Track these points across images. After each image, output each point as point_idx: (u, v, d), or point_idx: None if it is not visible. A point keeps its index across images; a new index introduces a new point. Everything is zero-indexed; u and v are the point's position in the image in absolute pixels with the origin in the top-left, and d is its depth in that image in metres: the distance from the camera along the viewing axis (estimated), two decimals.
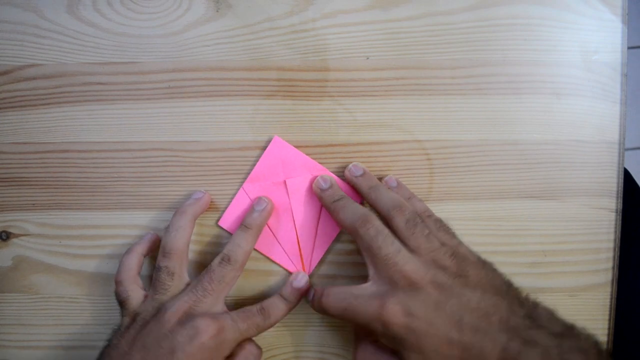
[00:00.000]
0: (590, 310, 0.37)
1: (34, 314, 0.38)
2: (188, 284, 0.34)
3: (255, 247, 0.37)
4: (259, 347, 0.34)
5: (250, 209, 0.36)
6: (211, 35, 0.37)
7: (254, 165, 0.37)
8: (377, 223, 0.31)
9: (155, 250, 0.36)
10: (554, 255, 0.37)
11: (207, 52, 0.37)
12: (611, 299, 0.37)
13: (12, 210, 0.38)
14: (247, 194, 0.36)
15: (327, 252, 0.37)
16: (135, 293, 0.34)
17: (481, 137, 0.37)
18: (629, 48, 0.36)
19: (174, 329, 0.31)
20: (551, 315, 0.28)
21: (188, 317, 0.31)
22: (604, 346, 0.27)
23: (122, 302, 0.34)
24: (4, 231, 0.38)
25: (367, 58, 0.36)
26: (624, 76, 0.36)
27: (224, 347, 0.31)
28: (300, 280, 0.36)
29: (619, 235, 0.37)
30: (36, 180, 0.38)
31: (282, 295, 0.35)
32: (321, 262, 0.37)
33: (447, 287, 0.29)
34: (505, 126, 0.37)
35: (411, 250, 0.30)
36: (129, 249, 0.35)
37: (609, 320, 0.37)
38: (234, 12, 0.36)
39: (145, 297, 0.34)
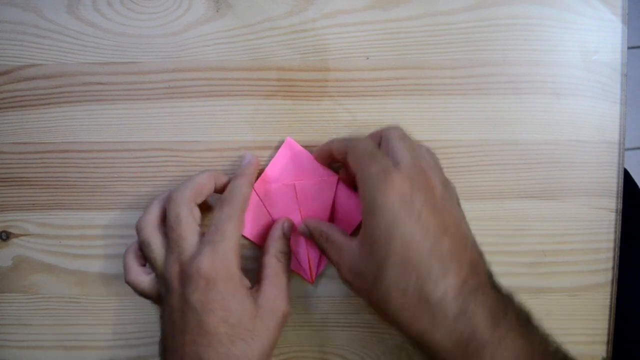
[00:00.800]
0: (590, 310, 0.37)
1: (34, 314, 0.38)
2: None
3: (254, 241, 0.36)
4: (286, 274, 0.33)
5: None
6: (211, 35, 0.37)
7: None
8: (369, 141, 0.30)
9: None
10: (554, 255, 0.37)
11: (207, 52, 0.37)
12: (611, 299, 0.37)
13: (12, 210, 0.38)
14: (257, 194, 0.36)
15: None
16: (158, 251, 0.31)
17: (481, 137, 0.37)
18: (629, 48, 0.36)
19: (183, 293, 0.29)
20: (499, 283, 0.28)
21: (183, 273, 0.29)
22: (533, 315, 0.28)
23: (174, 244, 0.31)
24: (4, 231, 0.38)
25: (367, 58, 0.36)
26: (624, 76, 0.36)
27: (230, 271, 0.29)
28: (246, 156, 0.35)
29: (619, 235, 0.37)
30: (36, 180, 0.38)
31: (235, 174, 0.33)
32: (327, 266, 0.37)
33: (449, 203, 0.28)
34: (505, 126, 0.37)
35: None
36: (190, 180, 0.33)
37: (609, 320, 0.37)
38: (234, 12, 0.36)
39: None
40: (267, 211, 0.36)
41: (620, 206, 0.37)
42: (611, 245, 0.37)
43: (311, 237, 0.34)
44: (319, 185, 0.36)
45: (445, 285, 0.25)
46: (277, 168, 0.36)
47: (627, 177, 0.47)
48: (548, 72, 0.36)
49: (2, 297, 0.38)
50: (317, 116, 0.37)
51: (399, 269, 0.26)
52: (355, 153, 0.30)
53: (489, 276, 0.28)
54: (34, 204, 0.38)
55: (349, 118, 0.37)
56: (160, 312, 0.31)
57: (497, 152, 0.37)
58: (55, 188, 0.38)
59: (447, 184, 0.30)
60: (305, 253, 0.36)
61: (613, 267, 0.37)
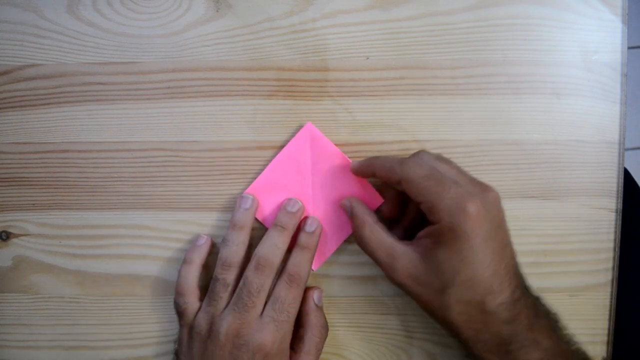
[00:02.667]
0: (590, 310, 0.37)
1: (34, 314, 0.38)
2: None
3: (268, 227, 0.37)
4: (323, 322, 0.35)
5: (282, 209, 0.35)
6: (211, 35, 0.37)
7: (252, 164, 0.37)
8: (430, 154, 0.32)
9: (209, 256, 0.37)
10: (554, 255, 0.37)
11: (207, 52, 0.37)
12: (611, 299, 0.37)
13: (12, 210, 0.38)
14: (271, 177, 0.36)
15: (338, 251, 0.37)
16: (192, 305, 0.35)
17: (481, 137, 0.37)
18: (629, 48, 0.36)
19: (233, 352, 0.32)
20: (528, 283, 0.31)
21: (241, 339, 0.32)
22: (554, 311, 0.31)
23: (179, 313, 0.35)
24: (4, 231, 0.38)
25: (367, 58, 0.36)
26: (624, 76, 0.36)
27: (283, 347, 0.33)
28: (312, 223, 0.35)
29: (619, 235, 0.37)
30: (36, 180, 0.38)
31: (299, 246, 0.34)
32: (333, 262, 0.37)
33: (502, 213, 0.30)
34: (505, 126, 0.37)
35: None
36: (187, 259, 0.36)
37: (609, 320, 0.37)
38: (234, 12, 0.36)
39: (200, 308, 0.34)
40: (281, 194, 0.36)
41: (620, 206, 0.37)
42: (611, 245, 0.37)
43: (351, 217, 0.34)
44: (334, 171, 0.36)
45: (502, 297, 0.29)
46: (294, 151, 0.36)
47: (627, 177, 0.47)
48: (548, 72, 0.36)
49: (2, 297, 0.38)
50: (317, 116, 0.37)
51: (466, 287, 0.29)
52: (421, 182, 0.30)
53: (526, 284, 0.31)
54: (34, 204, 0.38)
55: (348, 118, 0.37)
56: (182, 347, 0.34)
57: (497, 152, 0.37)
58: (55, 188, 0.38)
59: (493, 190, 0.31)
60: None
61: (613, 267, 0.37)
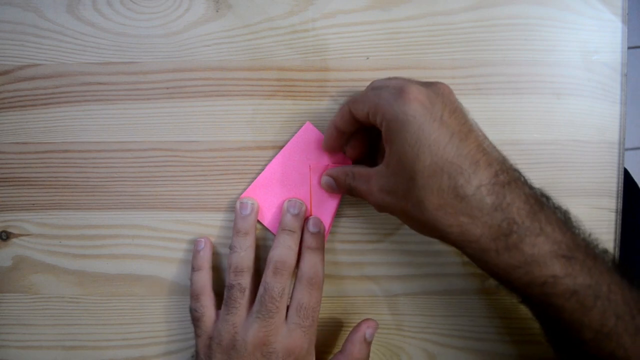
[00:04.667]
0: None
1: (34, 314, 0.38)
2: (253, 302, 0.34)
3: (268, 227, 0.37)
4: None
5: (285, 212, 0.35)
6: (211, 35, 0.37)
7: (252, 164, 0.37)
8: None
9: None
10: None
11: (207, 52, 0.37)
12: None
13: (12, 210, 0.38)
14: (271, 176, 0.36)
15: (338, 251, 0.37)
16: (209, 311, 0.34)
17: None
18: (629, 48, 0.36)
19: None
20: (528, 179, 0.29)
21: (269, 347, 0.32)
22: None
23: (196, 320, 0.34)
24: (4, 231, 0.38)
25: (367, 58, 0.36)
26: (624, 76, 0.36)
27: (310, 351, 0.33)
28: (313, 224, 0.35)
29: (619, 235, 0.37)
30: (36, 180, 0.38)
31: (309, 248, 0.34)
32: (334, 262, 0.37)
33: (464, 111, 0.29)
34: (505, 126, 0.37)
35: None
36: (195, 266, 0.36)
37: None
38: (234, 12, 0.36)
39: (217, 316, 0.34)
40: (281, 194, 0.36)
41: (620, 206, 0.37)
42: (611, 245, 0.37)
43: (337, 182, 0.34)
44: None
45: (478, 179, 0.26)
46: (294, 151, 0.36)
47: (627, 177, 0.47)
48: (548, 72, 0.36)
49: (2, 297, 0.38)
50: (317, 116, 0.37)
51: (430, 173, 0.26)
52: (364, 96, 0.30)
53: (520, 173, 0.28)
54: (34, 204, 0.38)
55: None
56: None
57: None
58: (55, 188, 0.38)
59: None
60: None
61: None
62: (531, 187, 0.28)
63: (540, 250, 0.25)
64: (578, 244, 0.27)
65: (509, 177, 0.27)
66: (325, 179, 0.35)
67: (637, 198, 0.47)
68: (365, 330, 0.34)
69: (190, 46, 0.37)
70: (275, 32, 0.36)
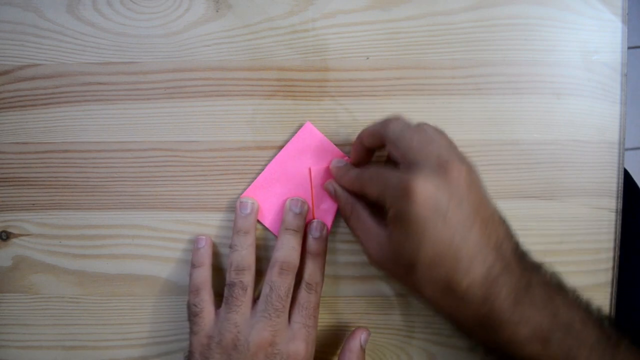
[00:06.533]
0: None
1: (34, 314, 0.38)
2: (255, 302, 0.34)
3: (268, 227, 0.37)
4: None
5: (287, 211, 0.35)
6: (211, 35, 0.37)
7: (252, 164, 0.37)
8: (407, 120, 0.31)
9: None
10: (554, 255, 0.37)
11: (207, 52, 0.37)
12: (611, 299, 0.37)
13: (12, 210, 0.38)
14: (271, 177, 0.36)
15: (338, 252, 0.37)
16: (209, 307, 0.34)
17: (481, 137, 0.37)
18: (629, 48, 0.36)
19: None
20: (526, 252, 0.29)
21: (274, 348, 0.32)
22: (565, 281, 0.30)
23: (193, 316, 0.34)
24: (4, 231, 0.38)
25: (367, 58, 0.36)
26: (624, 76, 0.36)
27: (313, 352, 0.33)
28: (317, 228, 0.35)
29: (619, 235, 0.37)
30: (36, 180, 0.38)
31: (311, 253, 0.35)
32: (333, 262, 0.37)
33: (474, 188, 0.28)
34: (505, 126, 0.37)
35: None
36: (195, 262, 0.36)
37: (609, 320, 0.37)
38: (234, 12, 0.36)
39: (216, 315, 0.34)
40: (281, 194, 0.36)
41: (620, 206, 0.37)
42: (611, 245, 0.37)
43: (337, 200, 0.35)
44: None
45: (471, 277, 0.27)
46: (294, 151, 0.36)
47: (627, 177, 0.47)
48: (548, 72, 0.36)
49: (2, 297, 0.38)
50: (317, 116, 0.37)
51: (430, 265, 0.27)
52: (374, 174, 0.31)
53: (515, 250, 0.29)
54: (34, 204, 0.38)
55: (349, 118, 0.37)
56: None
57: (497, 152, 0.37)
58: (55, 188, 0.38)
59: (465, 162, 0.29)
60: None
61: (613, 267, 0.37)
62: (523, 263, 0.28)
63: (518, 337, 0.27)
64: (560, 321, 0.27)
65: (502, 264, 0.27)
66: (329, 186, 0.35)
67: (637, 198, 0.47)
68: (360, 337, 0.34)
69: (190, 46, 0.37)
70: (275, 32, 0.36)
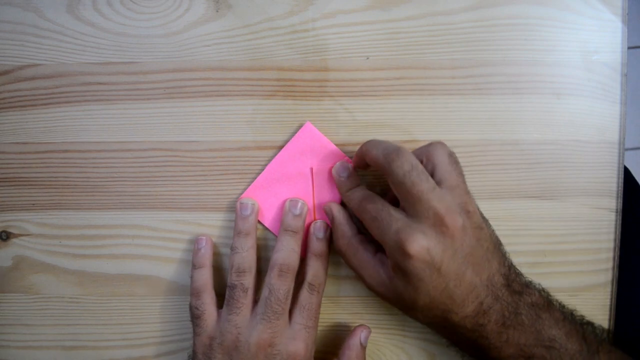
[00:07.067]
0: (590, 310, 0.37)
1: (34, 314, 0.38)
2: (255, 303, 0.34)
3: (269, 228, 0.37)
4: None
5: (287, 212, 0.35)
6: (211, 35, 0.37)
7: (252, 164, 0.37)
8: (411, 158, 0.30)
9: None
10: (554, 255, 0.37)
11: (207, 52, 0.37)
12: (611, 299, 0.37)
13: (12, 210, 0.38)
14: (272, 177, 0.36)
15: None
16: (210, 309, 0.34)
17: (481, 137, 0.37)
18: (629, 48, 0.36)
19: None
20: (517, 273, 0.32)
21: (274, 349, 0.32)
22: (553, 297, 0.33)
23: (196, 318, 0.34)
24: (4, 231, 0.38)
25: (367, 58, 0.36)
26: (624, 76, 0.36)
27: (312, 353, 0.33)
28: (320, 229, 0.35)
29: (619, 235, 0.37)
30: (36, 180, 0.38)
31: (314, 254, 0.35)
32: (334, 262, 0.37)
33: (469, 236, 0.30)
34: (505, 126, 0.37)
35: (447, 187, 0.30)
36: (196, 263, 0.36)
37: (609, 320, 0.37)
38: (234, 12, 0.36)
39: (218, 316, 0.34)
40: (281, 194, 0.36)
41: (620, 206, 0.37)
42: (611, 245, 0.37)
43: (332, 225, 0.35)
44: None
45: (464, 312, 0.30)
46: (294, 151, 0.36)
47: (627, 177, 0.46)
48: (548, 72, 0.36)
49: (2, 297, 0.38)
50: (317, 116, 0.37)
51: (427, 309, 0.30)
52: (372, 216, 0.32)
53: (506, 277, 0.31)
54: (34, 204, 0.38)
55: (349, 118, 0.37)
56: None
57: (497, 152, 0.37)
58: (55, 188, 0.38)
59: (463, 210, 0.30)
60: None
61: (613, 267, 0.37)
62: (513, 292, 0.30)
63: (504, 354, 0.30)
64: (544, 338, 0.30)
65: (493, 297, 0.30)
66: (327, 208, 0.35)
67: (637, 198, 0.47)
68: (360, 335, 0.35)
69: (190, 46, 0.37)
70: (275, 32, 0.36)
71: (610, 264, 0.37)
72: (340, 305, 0.37)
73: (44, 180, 0.38)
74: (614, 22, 0.36)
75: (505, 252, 0.32)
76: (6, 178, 0.38)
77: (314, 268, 0.34)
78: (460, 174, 0.31)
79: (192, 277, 0.36)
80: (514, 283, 0.31)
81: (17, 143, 0.37)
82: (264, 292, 0.33)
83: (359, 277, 0.33)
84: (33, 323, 0.38)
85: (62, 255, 0.38)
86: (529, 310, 0.30)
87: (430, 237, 0.29)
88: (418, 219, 0.29)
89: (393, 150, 0.30)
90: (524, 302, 0.30)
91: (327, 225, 0.36)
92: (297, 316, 0.33)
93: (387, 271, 0.31)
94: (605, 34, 0.36)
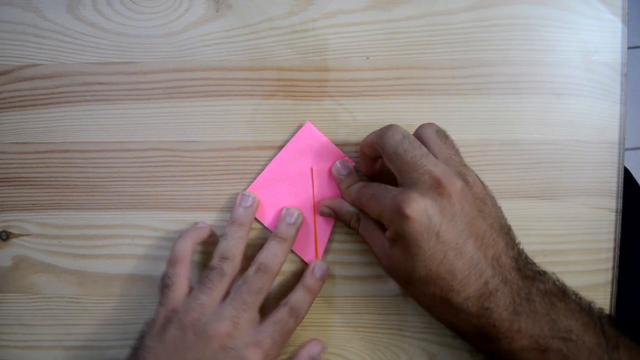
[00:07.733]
0: None
1: (34, 314, 0.38)
2: (227, 292, 0.33)
3: (268, 227, 0.37)
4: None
5: (282, 219, 0.35)
6: (211, 35, 0.37)
7: (252, 164, 0.37)
8: (402, 129, 0.30)
9: (204, 240, 0.36)
10: (554, 255, 0.37)
11: (207, 52, 0.37)
12: (611, 299, 0.37)
13: (12, 210, 0.38)
14: (272, 177, 0.36)
15: (338, 252, 0.37)
16: (182, 282, 0.33)
17: (481, 137, 0.37)
18: (629, 48, 0.36)
19: (218, 354, 0.31)
20: (528, 260, 0.30)
21: (231, 342, 0.31)
22: (568, 287, 0.30)
23: (165, 287, 0.33)
24: (4, 231, 0.38)
25: (367, 58, 0.36)
26: (624, 76, 0.36)
27: None
28: (320, 268, 0.35)
29: (619, 235, 0.37)
30: (36, 180, 0.38)
31: (305, 287, 0.35)
32: (333, 262, 0.37)
33: (468, 203, 0.29)
34: (505, 126, 0.37)
35: (441, 160, 0.30)
36: (183, 235, 0.35)
37: (610, 320, 0.37)
38: (234, 12, 0.36)
39: (189, 292, 0.33)
40: (281, 194, 0.36)
41: (620, 206, 0.37)
42: (611, 245, 0.37)
43: (339, 218, 0.35)
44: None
45: (467, 291, 0.28)
46: (294, 151, 0.36)
47: (627, 177, 0.47)
48: (548, 72, 0.36)
49: (2, 297, 0.38)
50: (317, 116, 0.37)
51: (424, 283, 0.28)
52: (369, 195, 0.32)
53: (516, 260, 0.29)
54: (34, 204, 0.38)
55: (349, 118, 0.37)
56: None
57: (497, 152, 0.37)
58: (55, 188, 0.38)
59: (461, 175, 0.30)
60: (312, 234, 0.36)
61: (613, 267, 0.37)
62: (525, 277, 0.28)
63: (516, 346, 0.28)
64: (559, 329, 0.28)
65: (500, 277, 0.28)
66: (324, 209, 0.35)
67: (637, 198, 0.47)
68: (313, 348, 0.35)
69: (190, 46, 0.37)
70: (275, 32, 0.36)
71: (610, 264, 0.37)
72: (339, 306, 0.37)
73: (44, 180, 0.38)
74: (614, 22, 0.36)
75: (514, 238, 0.30)
76: (6, 178, 0.38)
77: (300, 296, 0.34)
78: (453, 148, 0.31)
79: (173, 245, 0.35)
80: (525, 268, 0.29)
81: (17, 143, 0.37)
82: (238, 281, 0.33)
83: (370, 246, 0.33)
84: (33, 323, 0.38)
85: (62, 255, 0.38)
86: (543, 298, 0.28)
87: (427, 197, 0.28)
88: (415, 185, 0.29)
89: (384, 127, 0.31)
90: (537, 289, 0.28)
91: (327, 268, 0.36)
92: (268, 325, 0.32)
93: (387, 244, 0.31)
94: (605, 34, 0.36)
